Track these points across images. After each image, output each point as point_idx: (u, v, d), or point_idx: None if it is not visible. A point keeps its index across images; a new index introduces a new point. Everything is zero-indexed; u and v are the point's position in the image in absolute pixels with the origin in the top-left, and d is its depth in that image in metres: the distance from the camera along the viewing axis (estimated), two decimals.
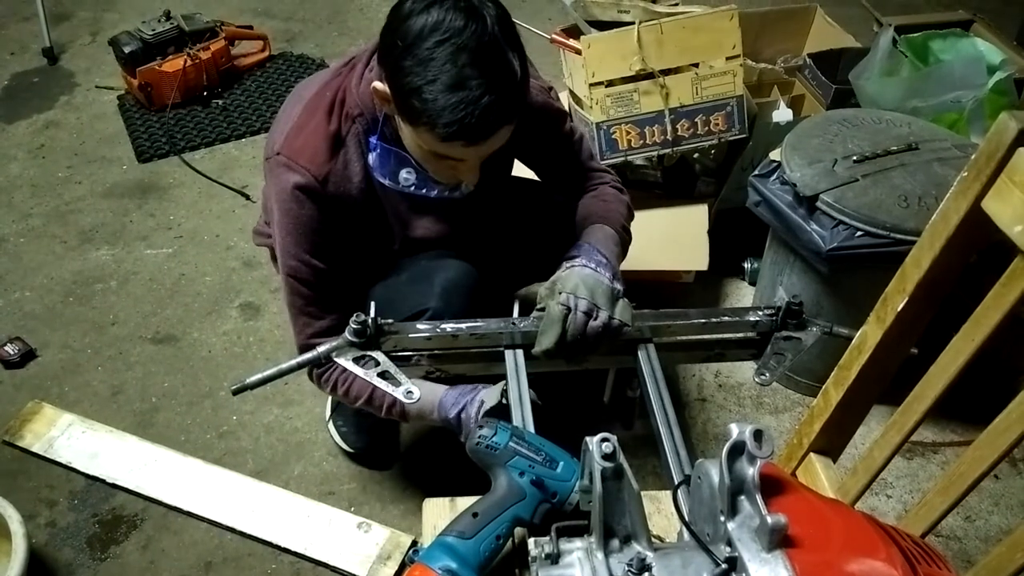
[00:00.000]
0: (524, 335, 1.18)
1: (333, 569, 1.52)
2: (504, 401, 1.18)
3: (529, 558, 0.83)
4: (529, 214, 1.50)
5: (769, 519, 0.68)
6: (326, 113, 1.27)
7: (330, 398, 1.77)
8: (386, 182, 1.30)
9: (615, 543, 0.79)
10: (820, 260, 1.58)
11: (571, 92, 2.03)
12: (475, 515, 0.92)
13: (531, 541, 0.87)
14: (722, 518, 0.73)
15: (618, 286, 1.23)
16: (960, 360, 0.92)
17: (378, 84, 1.16)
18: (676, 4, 1.97)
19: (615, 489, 0.78)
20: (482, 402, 1.24)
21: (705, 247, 1.96)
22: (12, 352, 1.88)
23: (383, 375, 1.09)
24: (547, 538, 0.80)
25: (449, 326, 1.17)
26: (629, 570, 0.75)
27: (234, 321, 2.03)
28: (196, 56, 2.67)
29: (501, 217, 1.48)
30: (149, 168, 2.51)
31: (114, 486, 1.65)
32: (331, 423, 1.74)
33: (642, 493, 0.81)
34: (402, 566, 1.50)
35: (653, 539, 0.81)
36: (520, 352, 1.18)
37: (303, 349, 1.25)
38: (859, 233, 1.53)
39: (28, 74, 2.90)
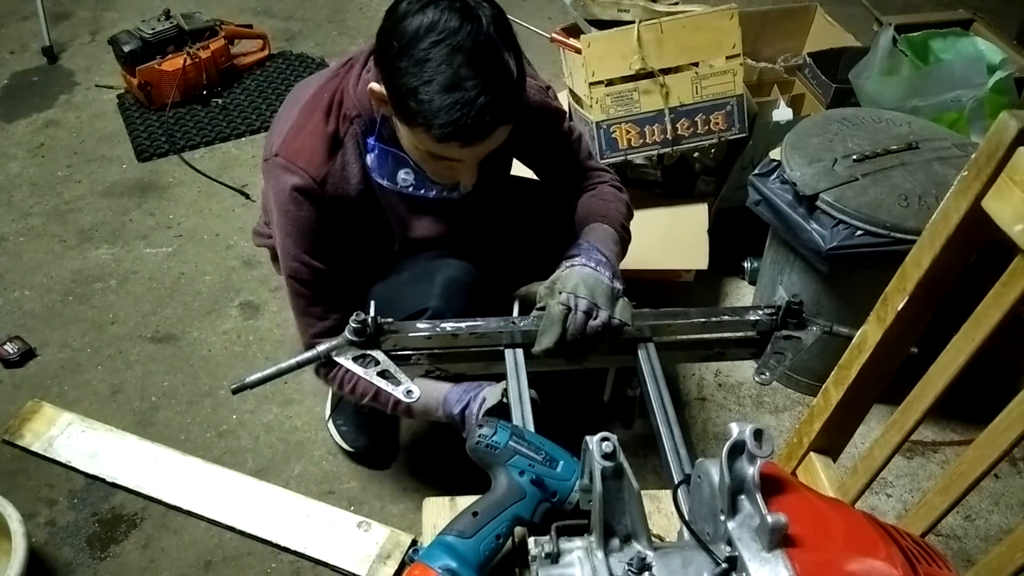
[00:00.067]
0: (524, 334, 1.18)
1: (333, 568, 1.52)
2: (504, 400, 1.18)
3: (529, 557, 0.83)
4: (528, 213, 1.50)
5: (769, 518, 0.68)
6: (324, 114, 1.27)
7: (329, 398, 1.78)
8: (384, 183, 1.30)
9: (615, 542, 0.79)
10: (820, 259, 1.58)
11: (571, 91, 2.03)
12: (475, 514, 0.92)
13: (531, 540, 0.87)
14: (722, 517, 0.73)
15: (618, 285, 1.23)
16: (960, 359, 0.92)
17: (375, 85, 1.16)
18: (676, 3, 1.96)
19: (615, 488, 0.78)
20: (484, 399, 1.24)
21: (705, 246, 1.96)
22: (12, 351, 1.88)
23: (383, 374, 1.09)
24: (547, 537, 0.80)
25: (449, 325, 1.17)
26: (629, 569, 0.75)
27: (234, 320, 2.03)
28: (196, 55, 2.66)
29: (500, 217, 1.48)
30: (149, 167, 2.51)
31: (114, 485, 1.65)
32: (331, 422, 1.74)
33: (642, 492, 0.81)
34: (402, 565, 1.50)
35: (653, 538, 0.81)
36: (520, 351, 1.18)
37: (308, 348, 1.25)
38: (859, 232, 1.53)
39: (28, 73, 2.90)
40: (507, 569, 0.96)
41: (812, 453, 1.21)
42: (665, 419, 1.07)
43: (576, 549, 0.79)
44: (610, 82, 1.82)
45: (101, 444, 1.71)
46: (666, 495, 1.13)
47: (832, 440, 1.20)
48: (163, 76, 2.64)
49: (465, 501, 1.02)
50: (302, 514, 1.60)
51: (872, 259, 1.53)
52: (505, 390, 1.17)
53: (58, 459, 1.68)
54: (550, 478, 0.94)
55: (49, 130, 2.64)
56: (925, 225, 0.93)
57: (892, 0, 3.05)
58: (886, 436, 1.05)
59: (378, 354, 1.10)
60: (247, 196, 2.39)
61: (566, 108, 2.02)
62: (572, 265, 1.23)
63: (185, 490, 1.63)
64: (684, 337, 1.25)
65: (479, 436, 0.96)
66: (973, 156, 0.84)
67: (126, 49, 2.60)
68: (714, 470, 0.74)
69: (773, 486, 0.73)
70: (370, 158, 1.28)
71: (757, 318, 1.20)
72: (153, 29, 2.63)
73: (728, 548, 0.72)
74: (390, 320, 1.13)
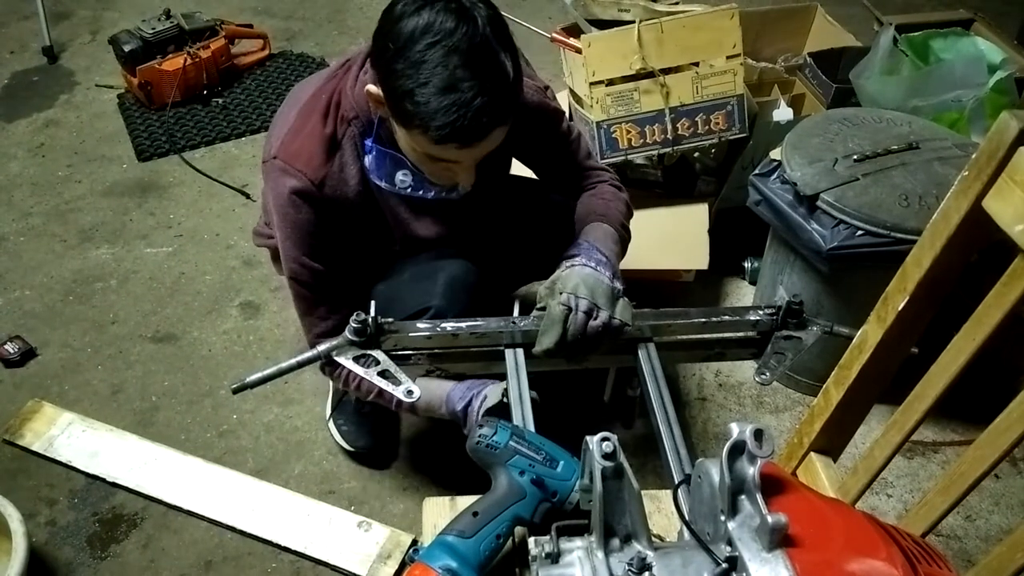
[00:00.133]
0: (524, 334, 1.18)
1: (333, 568, 1.52)
2: (505, 400, 1.18)
3: (529, 557, 0.83)
4: (528, 213, 1.50)
5: (769, 518, 0.68)
6: (322, 116, 1.26)
7: (330, 397, 1.78)
8: (382, 184, 1.30)
9: (615, 542, 0.79)
10: (820, 259, 1.57)
11: (571, 91, 2.03)
12: (475, 514, 0.92)
13: (531, 540, 0.87)
14: (722, 517, 0.73)
15: (618, 285, 1.23)
16: (961, 359, 0.92)
17: (372, 87, 1.16)
18: (676, 3, 1.96)
19: (615, 488, 0.78)
20: (485, 397, 1.24)
21: (705, 246, 1.96)
22: (12, 351, 1.88)
23: (383, 374, 1.09)
24: (547, 537, 0.80)
25: (449, 325, 1.17)
26: (629, 569, 0.75)
27: (234, 320, 2.03)
28: (196, 55, 2.66)
29: (499, 216, 1.48)
30: (149, 167, 2.51)
31: (114, 485, 1.65)
32: (331, 422, 1.74)
33: (642, 492, 0.81)
34: (402, 565, 1.50)
35: (653, 538, 0.81)
36: (520, 351, 1.18)
37: (311, 348, 1.26)
38: (859, 232, 1.53)
39: (28, 73, 2.90)
40: (507, 569, 0.96)
41: (812, 453, 1.21)
42: (665, 419, 1.07)
43: (576, 549, 0.79)
44: (610, 82, 1.82)
45: (101, 444, 1.71)
46: (666, 495, 1.13)
47: (832, 440, 1.20)
48: (163, 76, 2.64)
49: (465, 501, 1.02)
50: (302, 514, 1.60)
51: (872, 259, 1.53)
52: (505, 390, 1.17)
53: (58, 459, 1.68)
54: (550, 478, 0.94)
55: (49, 130, 2.64)
56: (926, 225, 0.93)
57: (892, 0, 3.05)
58: (886, 436, 1.05)
59: (378, 354, 1.11)
60: (247, 196, 2.39)
61: (566, 108, 2.03)
62: (572, 265, 1.23)
63: (185, 490, 1.63)
64: (684, 337, 1.25)
65: (479, 436, 0.96)
66: (974, 156, 0.84)
67: (126, 49, 2.60)
68: (714, 470, 0.74)
69: (773, 486, 0.73)
70: (368, 160, 1.28)
71: (757, 318, 1.20)
72: (153, 29, 2.63)
73: (728, 548, 0.72)
74: (390, 320, 1.13)
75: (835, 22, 2.25)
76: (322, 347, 1.11)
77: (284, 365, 1.10)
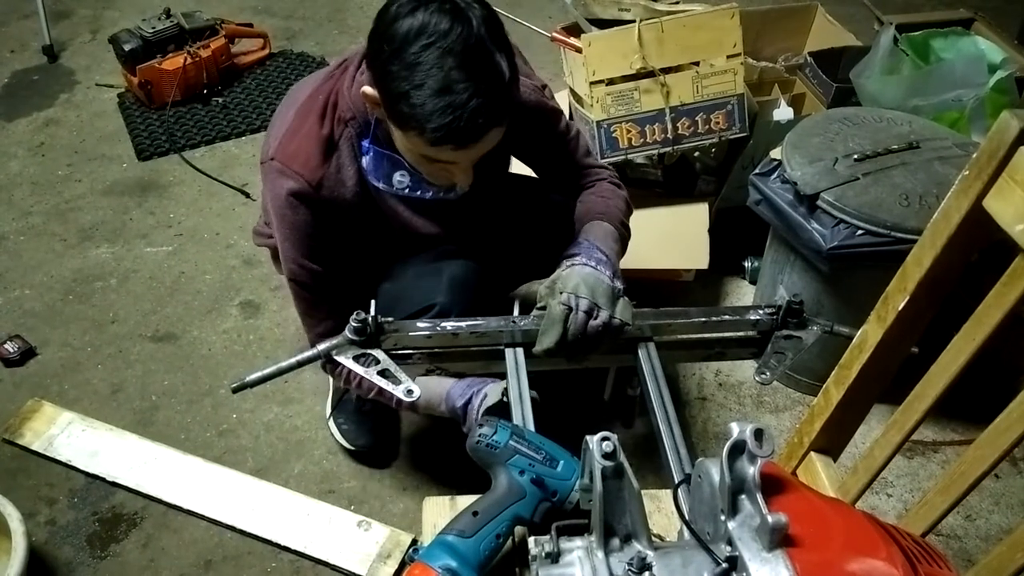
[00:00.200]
0: (524, 333, 1.18)
1: (333, 567, 1.52)
2: (505, 399, 1.18)
3: (529, 557, 0.83)
4: (527, 212, 1.50)
5: (770, 518, 0.68)
6: (319, 117, 1.26)
7: (330, 396, 1.78)
8: (380, 185, 1.30)
9: (615, 542, 0.79)
10: (821, 259, 1.57)
11: (571, 90, 2.03)
12: (475, 514, 0.92)
13: (531, 540, 0.86)
14: (722, 517, 0.72)
15: (618, 284, 1.23)
16: (961, 359, 0.92)
17: (367, 88, 1.16)
18: (677, 2, 1.96)
19: (615, 488, 0.78)
20: (485, 395, 1.24)
21: (705, 246, 1.96)
22: (12, 350, 1.88)
23: (383, 373, 1.09)
24: (547, 537, 0.80)
25: (449, 324, 1.17)
26: (629, 569, 0.75)
27: (234, 319, 2.03)
28: (196, 54, 2.66)
29: (499, 216, 1.48)
30: (149, 166, 2.51)
31: (114, 484, 1.65)
32: (332, 421, 1.74)
33: (642, 492, 0.81)
34: (402, 564, 1.50)
35: (653, 538, 0.80)
36: (520, 350, 1.18)
37: (312, 347, 1.26)
38: (860, 232, 1.53)
39: (28, 72, 2.90)
40: (507, 569, 0.96)
41: (812, 453, 1.21)
42: (665, 419, 1.07)
43: (576, 549, 0.79)
44: (611, 81, 1.82)
45: (101, 443, 1.71)
46: (666, 495, 1.13)
47: (832, 440, 1.20)
48: (163, 75, 2.64)
49: (465, 501, 1.02)
50: (302, 513, 1.59)
51: (873, 259, 1.53)
52: (505, 389, 1.17)
53: (58, 458, 1.68)
54: (550, 477, 0.94)
55: (49, 129, 2.64)
56: (926, 225, 0.93)
57: (893, 0, 3.05)
58: (886, 436, 1.05)
59: (378, 353, 1.11)
60: (247, 195, 2.39)
61: (566, 108, 2.03)
62: (572, 264, 1.23)
63: (185, 489, 1.63)
64: (684, 337, 1.25)
65: (479, 435, 0.96)
66: (974, 155, 0.84)
67: (127, 48, 2.60)
68: (714, 470, 0.74)
69: (773, 486, 0.73)
70: (365, 160, 1.28)
71: (758, 318, 1.20)
72: (154, 28, 2.63)
73: (728, 548, 0.72)
74: (390, 319, 1.13)
75: (835, 21, 2.25)
76: (322, 346, 1.11)
77: (284, 364, 1.11)
